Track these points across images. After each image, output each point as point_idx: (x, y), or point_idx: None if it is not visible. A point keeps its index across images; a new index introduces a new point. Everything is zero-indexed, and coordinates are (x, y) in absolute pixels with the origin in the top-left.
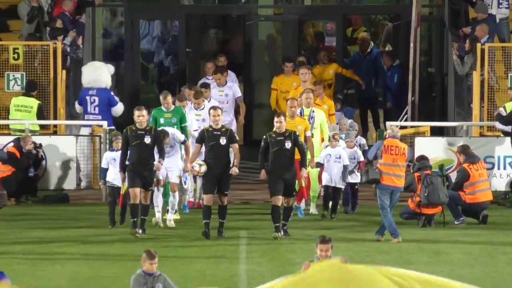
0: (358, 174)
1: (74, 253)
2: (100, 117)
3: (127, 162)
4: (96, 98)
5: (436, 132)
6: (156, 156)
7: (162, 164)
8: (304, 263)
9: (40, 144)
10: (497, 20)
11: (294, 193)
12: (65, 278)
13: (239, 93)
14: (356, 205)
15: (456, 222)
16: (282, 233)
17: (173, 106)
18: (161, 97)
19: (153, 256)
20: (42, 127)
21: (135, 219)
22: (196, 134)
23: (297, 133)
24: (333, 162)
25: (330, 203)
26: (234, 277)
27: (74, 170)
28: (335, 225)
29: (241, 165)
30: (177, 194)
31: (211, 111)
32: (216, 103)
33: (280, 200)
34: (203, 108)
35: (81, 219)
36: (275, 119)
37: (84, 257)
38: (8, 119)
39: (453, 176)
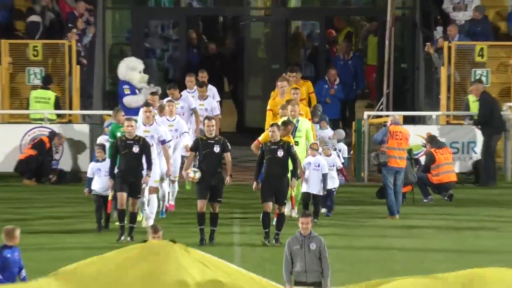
0: (337, 180)
1: (88, 227)
2: (119, 106)
3: (116, 170)
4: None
5: (408, 120)
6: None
7: (149, 177)
8: (287, 239)
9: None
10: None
11: (285, 201)
12: (79, 249)
13: (217, 111)
14: (332, 209)
15: (425, 200)
16: (274, 241)
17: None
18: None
19: (156, 230)
20: (59, 116)
21: (123, 224)
22: (171, 144)
23: (291, 143)
24: (312, 170)
25: (313, 209)
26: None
27: (87, 154)
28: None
29: (234, 149)
30: (155, 197)
31: (206, 121)
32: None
33: (270, 207)
34: (174, 119)
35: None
36: (269, 128)
37: (96, 231)
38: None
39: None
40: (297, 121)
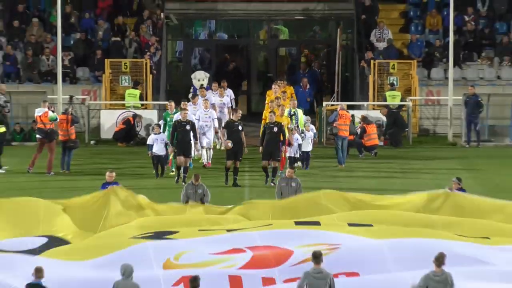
0: (311, 145)
1: (152, 175)
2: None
3: (175, 141)
4: None
5: (350, 107)
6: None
7: (197, 144)
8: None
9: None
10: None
11: (279, 159)
12: (148, 189)
13: (229, 104)
14: (308, 164)
15: (360, 156)
16: (271, 183)
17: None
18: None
19: (197, 178)
20: (142, 105)
21: (179, 172)
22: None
23: (282, 124)
24: (294, 142)
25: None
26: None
27: None
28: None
29: (244, 124)
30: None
31: (237, 112)
32: (216, 106)
33: (267, 163)
34: (208, 110)
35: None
36: (269, 114)
37: (155, 176)
38: (122, 100)
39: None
40: (296, 113)
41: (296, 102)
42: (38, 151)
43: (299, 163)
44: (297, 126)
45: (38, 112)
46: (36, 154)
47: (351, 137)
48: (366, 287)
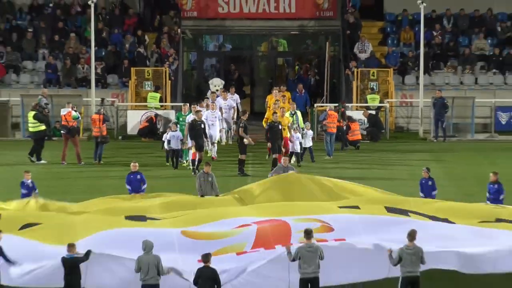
0: (311, 142)
1: (169, 166)
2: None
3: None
4: None
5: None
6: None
7: (208, 141)
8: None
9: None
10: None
11: (282, 152)
12: (166, 178)
13: (233, 106)
14: (313, 157)
15: (345, 148)
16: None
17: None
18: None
19: (208, 164)
20: (161, 106)
21: (196, 164)
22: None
23: (281, 122)
24: (295, 139)
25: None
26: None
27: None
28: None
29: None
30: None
31: (246, 114)
32: (223, 108)
33: (277, 155)
34: (215, 111)
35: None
36: (273, 114)
37: (173, 168)
38: (145, 102)
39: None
40: (296, 113)
41: (295, 105)
42: (65, 145)
43: (293, 159)
44: (298, 126)
45: (63, 111)
46: (64, 148)
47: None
48: (350, 248)
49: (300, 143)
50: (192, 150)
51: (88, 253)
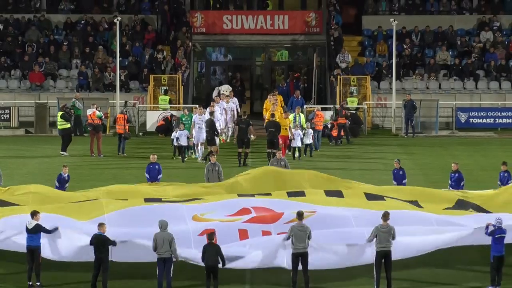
0: (311, 140)
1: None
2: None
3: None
4: None
5: (323, 109)
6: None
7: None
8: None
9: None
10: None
11: (279, 148)
12: (176, 168)
13: (234, 108)
14: (312, 151)
15: (330, 143)
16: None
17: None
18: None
19: (213, 155)
20: (172, 107)
21: (204, 156)
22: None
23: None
24: (297, 136)
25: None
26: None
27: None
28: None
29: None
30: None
31: (245, 115)
32: (224, 110)
33: (270, 151)
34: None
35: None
36: (270, 116)
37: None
38: (158, 103)
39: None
40: (300, 116)
41: (300, 108)
42: (91, 140)
43: (291, 153)
44: (300, 125)
45: (89, 111)
46: (91, 143)
47: (344, 121)
48: (334, 235)
49: (301, 139)
50: (202, 146)
51: (114, 242)
